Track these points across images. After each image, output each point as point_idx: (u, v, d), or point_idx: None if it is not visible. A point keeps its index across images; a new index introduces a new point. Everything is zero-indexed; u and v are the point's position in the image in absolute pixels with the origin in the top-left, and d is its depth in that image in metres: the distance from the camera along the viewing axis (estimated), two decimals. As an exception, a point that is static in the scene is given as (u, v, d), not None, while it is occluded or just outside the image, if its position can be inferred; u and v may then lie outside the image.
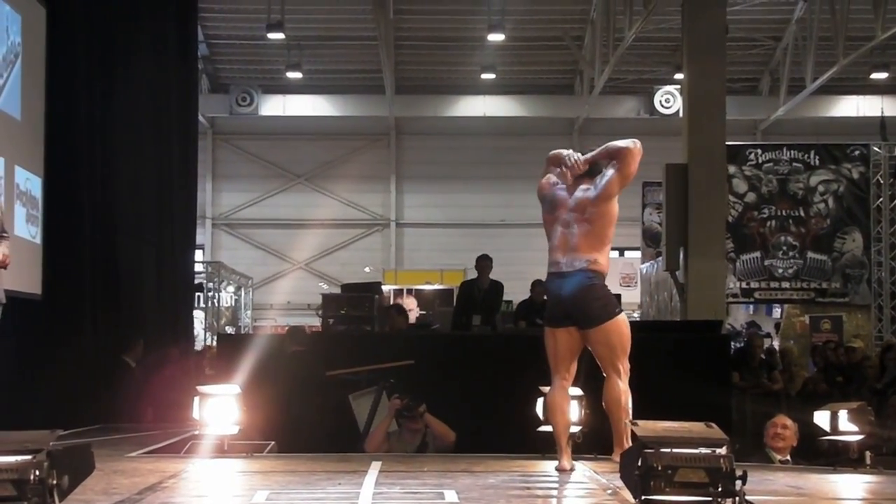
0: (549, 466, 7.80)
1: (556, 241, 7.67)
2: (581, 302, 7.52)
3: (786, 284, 23.04)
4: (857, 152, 23.42)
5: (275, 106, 32.87)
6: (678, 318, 18.55)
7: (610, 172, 7.60)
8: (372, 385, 11.54)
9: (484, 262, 16.33)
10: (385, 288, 24.57)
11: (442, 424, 10.40)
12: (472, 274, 16.84)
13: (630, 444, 7.09)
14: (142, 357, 14.79)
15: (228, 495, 6.77)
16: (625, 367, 7.61)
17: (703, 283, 17.69)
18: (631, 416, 7.35)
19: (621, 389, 7.55)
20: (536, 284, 16.93)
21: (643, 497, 5.33)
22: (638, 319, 23.28)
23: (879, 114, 28.44)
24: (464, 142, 33.73)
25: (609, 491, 6.63)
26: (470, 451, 9.42)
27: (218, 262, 30.03)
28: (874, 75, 30.39)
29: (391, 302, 24.28)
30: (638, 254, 28.49)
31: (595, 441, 8.32)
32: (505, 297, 16.79)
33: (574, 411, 8.15)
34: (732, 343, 17.94)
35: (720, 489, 5.36)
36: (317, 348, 13.07)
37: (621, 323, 7.63)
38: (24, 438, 5.14)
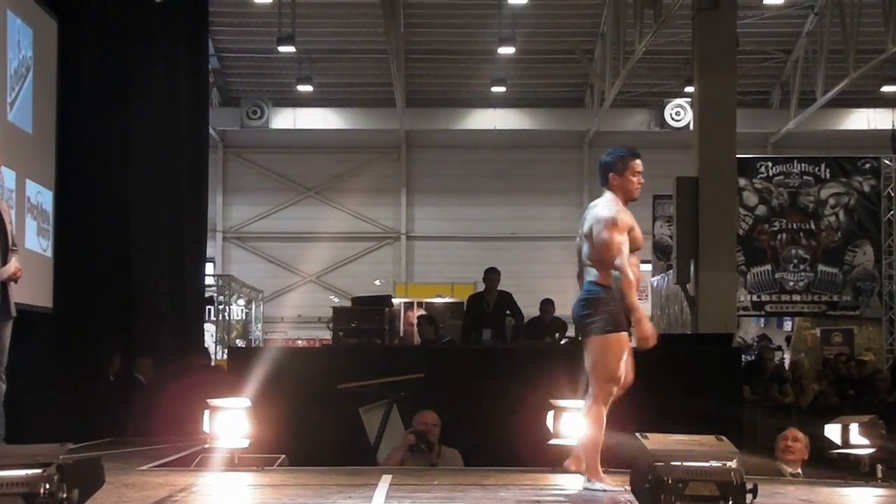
0: (560, 480, 7.79)
1: None
2: (578, 313, 7.45)
3: (797, 297, 23.00)
4: (867, 165, 23.38)
5: (285, 119, 32.88)
6: (689, 332, 18.51)
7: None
8: (382, 398, 11.53)
9: (491, 276, 16.31)
10: (395, 301, 24.59)
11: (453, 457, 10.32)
12: (483, 287, 16.83)
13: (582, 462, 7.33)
14: (153, 372, 14.78)
15: (239, 509, 6.77)
16: (600, 389, 7.30)
17: (714, 296, 17.65)
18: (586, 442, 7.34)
19: (591, 412, 7.30)
20: (545, 304, 16.89)
21: (654, 510, 5.33)
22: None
23: (890, 126, 28.37)
24: (474, 155, 33.72)
25: (620, 504, 6.62)
26: (481, 465, 9.41)
27: (228, 276, 30.02)
28: (885, 88, 30.31)
29: (403, 313, 24.35)
30: (649, 266, 28.41)
31: (603, 454, 8.31)
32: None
33: (576, 425, 8.14)
34: (743, 356, 17.90)
35: (731, 502, 5.36)
36: (327, 361, 13.09)
37: (606, 342, 7.28)
38: (35, 452, 5.15)
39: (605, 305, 7.34)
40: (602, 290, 7.37)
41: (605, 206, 7.49)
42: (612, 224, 7.33)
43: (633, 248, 7.41)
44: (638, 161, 7.63)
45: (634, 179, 7.58)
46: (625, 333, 7.38)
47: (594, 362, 7.32)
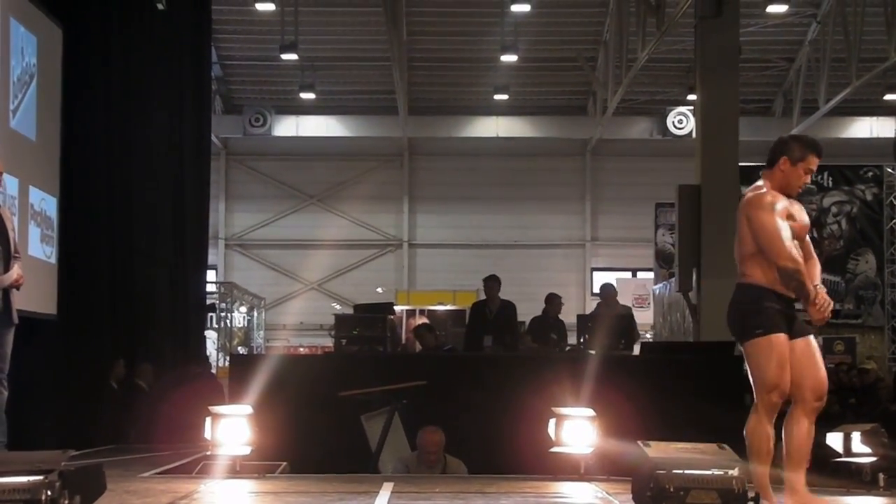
0: (561, 488, 7.79)
1: None
2: (728, 317, 6.91)
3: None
4: (870, 174, 23.41)
5: (288, 127, 32.90)
6: (691, 339, 18.50)
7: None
8: (384, 406, 11.52)
9: (491, 283, 16.28)
10: (397, 308, 24.58)
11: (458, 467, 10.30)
12: (484, 295, 16.82)
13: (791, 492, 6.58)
14: (154, 378, 14.82)
15: (240, 516, 6.77)
16: (763, 400, 6.72)
17: (716, 303, 17.54)
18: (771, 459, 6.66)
19: (751, 426, 6.67)
20: (552, 298, 16.84)
21: (655, 519, 5.33)
22: (651, 340, 23.25)
23: (893, 135, 28.35)
24: (477, 162, 33.75)
25: (621, 513, 6.62)
26: (482, 473, 9.41)
27: (230, 283, 30.02)
28: (887, 97, 30.33)
29: (405, 321, 24.35)
30: (651, 275, 28.45)
31: (607, 463, 8.31)
32: (518, 318, 16.74)
33: (585, 432, 8.13)
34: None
35: (732, 511, 5.36)
36: (329, 368, 13.08)
37: (756, 347, 6.69)
38: (37, 459, 5.16)
39: (748, 304, 6.78)
40: (748, 288, 6.81)
41: (754, 189, 7.18)
42: (765, 206, 6.98)
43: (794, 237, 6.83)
44: (817, 159, 7.02)
45: (805, 177, 7.03)
46: (779, 336, 6.72)
47: (751, 369, 6.75)
